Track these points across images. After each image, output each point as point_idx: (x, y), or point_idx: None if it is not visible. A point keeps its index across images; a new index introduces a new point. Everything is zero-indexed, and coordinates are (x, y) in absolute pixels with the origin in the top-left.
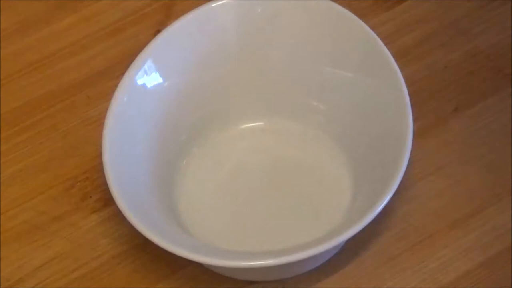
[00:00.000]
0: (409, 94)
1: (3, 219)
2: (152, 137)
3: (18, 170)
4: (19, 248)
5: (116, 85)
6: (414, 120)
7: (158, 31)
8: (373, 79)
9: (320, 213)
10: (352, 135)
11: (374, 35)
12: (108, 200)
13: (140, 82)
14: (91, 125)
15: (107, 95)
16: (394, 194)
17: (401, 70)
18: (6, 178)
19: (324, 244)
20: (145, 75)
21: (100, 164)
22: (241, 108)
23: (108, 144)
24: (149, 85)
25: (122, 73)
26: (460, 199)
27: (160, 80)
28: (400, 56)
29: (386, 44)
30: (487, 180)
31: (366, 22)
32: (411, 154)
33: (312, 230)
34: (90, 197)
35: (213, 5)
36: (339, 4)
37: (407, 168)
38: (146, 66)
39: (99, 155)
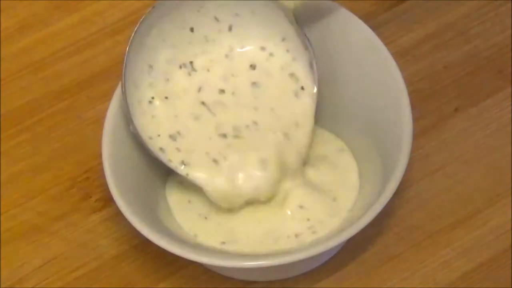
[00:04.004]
0: (409, 94)
1: (3, 219)
2: None
3: (18, 170)
4: (19, 248)
5: (116, 85)
6: (414, 120)
7: None
8: (373, 79)
9: None
10: (352, 135)
11: (374, 35)
12: (108, 200)
13: None
14: (91, 125)
15: (107, 95)
16: (394, 194)
17: (401, 70)
18: (6, 178)
19: (324, 244)
20: None
21: (100, 164)
22: None
23: (108, 144)
24: None
25: None
26: (460, 199)
27: None
28: (400, 56)
29: (386, 44)
30: (487, 180)
31: (366, 22)
32: (411, 154)
33: None
34: (90, 197)
35: None
36: (339, 4)
37: (407, 168)
38: None
39: (99, 155)
